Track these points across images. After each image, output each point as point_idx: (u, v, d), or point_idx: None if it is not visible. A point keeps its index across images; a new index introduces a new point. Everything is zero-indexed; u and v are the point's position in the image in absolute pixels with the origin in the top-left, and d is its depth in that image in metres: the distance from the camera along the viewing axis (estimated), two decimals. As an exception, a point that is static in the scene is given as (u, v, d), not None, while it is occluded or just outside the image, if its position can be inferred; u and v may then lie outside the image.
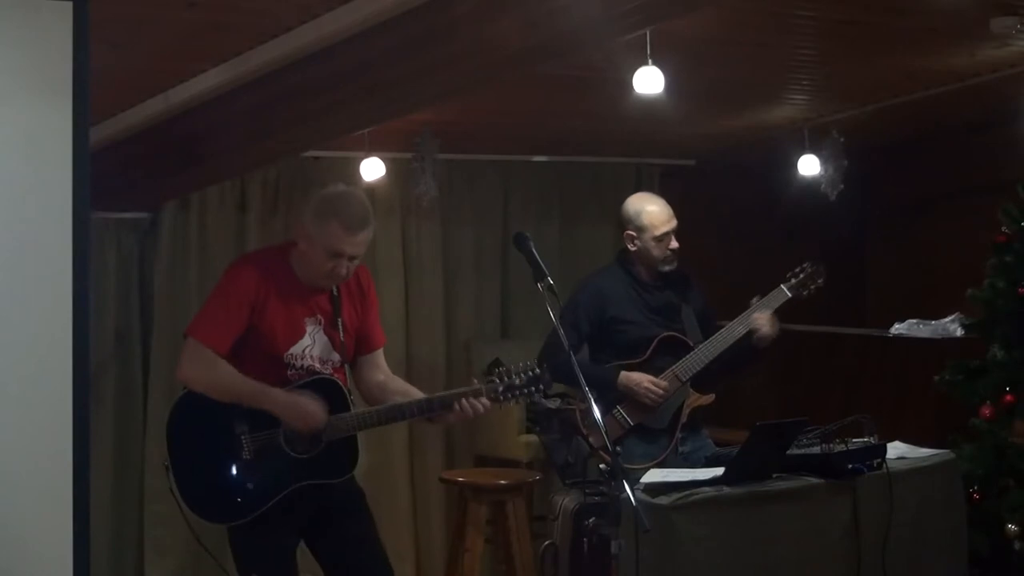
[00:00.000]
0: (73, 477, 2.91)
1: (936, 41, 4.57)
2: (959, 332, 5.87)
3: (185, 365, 3.45)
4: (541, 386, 3.58)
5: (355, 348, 3.66)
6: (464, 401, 3.50)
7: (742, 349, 4.27)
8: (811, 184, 6.13)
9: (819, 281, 4.36)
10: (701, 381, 4.29)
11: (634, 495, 3.03)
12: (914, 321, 6.24)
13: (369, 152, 5.67)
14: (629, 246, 4.38)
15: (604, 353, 4.34)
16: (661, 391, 4.20)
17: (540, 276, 3.33)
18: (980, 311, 5.32)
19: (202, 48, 4.07)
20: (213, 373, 3.41)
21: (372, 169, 5.72)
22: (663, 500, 3.56)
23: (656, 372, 4.25)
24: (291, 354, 3.50)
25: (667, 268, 4.36)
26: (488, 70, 4.00)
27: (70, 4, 2.93)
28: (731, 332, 4.24)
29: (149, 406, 5.95)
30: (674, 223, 4.34)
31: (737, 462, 3.78)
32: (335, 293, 3.58)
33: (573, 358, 3.34)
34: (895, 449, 4.14)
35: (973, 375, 5.26)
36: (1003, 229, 5.24)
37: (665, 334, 4.29)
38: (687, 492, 3.62)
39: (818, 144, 6.02)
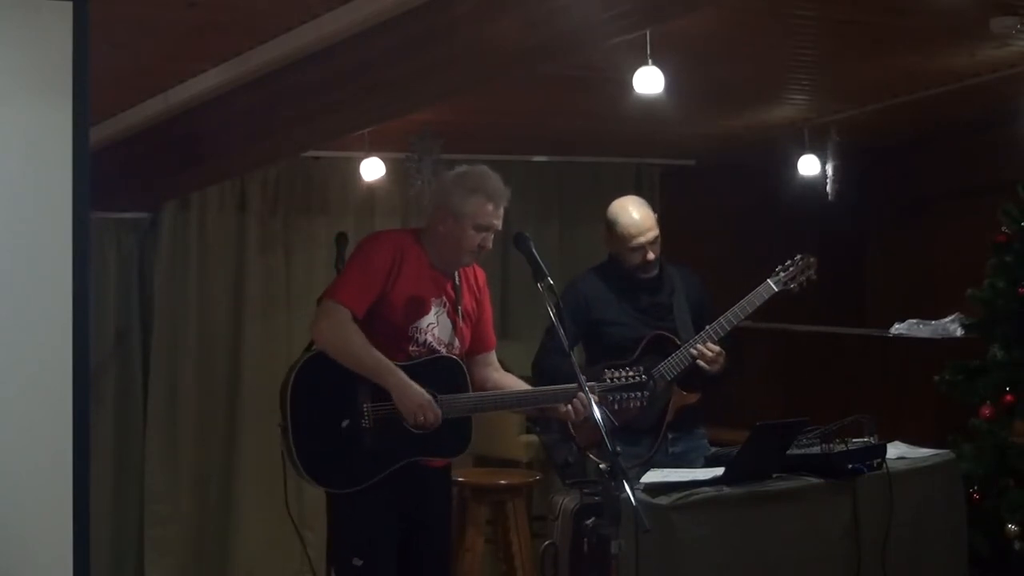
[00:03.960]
0: (73, 477, 2.91)
1: (936, 41, 4.57)
2: (959, 332, 5.87)
3: (322, 323, 3.46)
4: (646, 392, 3.67)
5: (471, 343, 3.72)
6: (579, 397, 3.51)
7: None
8: (811, 184, 6.13)
9: (810, 273, 4.30)
10: (689, 380, 4.25)
11: (634, 495, 3.03)
12: (914, 321, 6.24)
13: (369, 152, 5.67)
14: (608, 247, 4.36)
15: (594, 354, 4.31)
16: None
17: (540, 276, 3.35)
18: (980, 311, 5.32)
19: (202, 48, 4.07)
20: (347, 336, 3.44)
21: (372, 169, 5.73)
22: (663, 500, 3.56)
23: None
24: (415, 327, 3.55)
25: (643, 275, 4.28)
26: (488, 70, 4.01)
27: (70, 4, 2.93)
28: (715, 331, 4.18)
29: (149, 406, 5.96)
30: (651, 235, 4.22)
31: (737, 462, 3.78)
32: (456, 282, 3.66)
33: (573, 358, 3.35)
34: (895, 449, 4.14)
35: (973, 375, 5.26)
36: (1003, 229, 5.24)
37: (654, 333, 4.24)
38: (687, 492, 3.62)
39: (818, 144, 6.02)
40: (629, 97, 4.22)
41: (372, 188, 6.07)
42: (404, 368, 3.50)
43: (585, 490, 3.68)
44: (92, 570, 2.97)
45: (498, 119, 5.70)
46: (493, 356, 3.82)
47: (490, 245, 3.62)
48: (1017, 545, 4.91)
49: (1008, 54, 4.68)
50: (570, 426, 4.10)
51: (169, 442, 5.98)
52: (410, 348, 3.55)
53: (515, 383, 3.74)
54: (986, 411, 5.12)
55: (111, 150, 5.03)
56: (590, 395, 3.27)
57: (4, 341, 2.87)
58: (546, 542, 3.77)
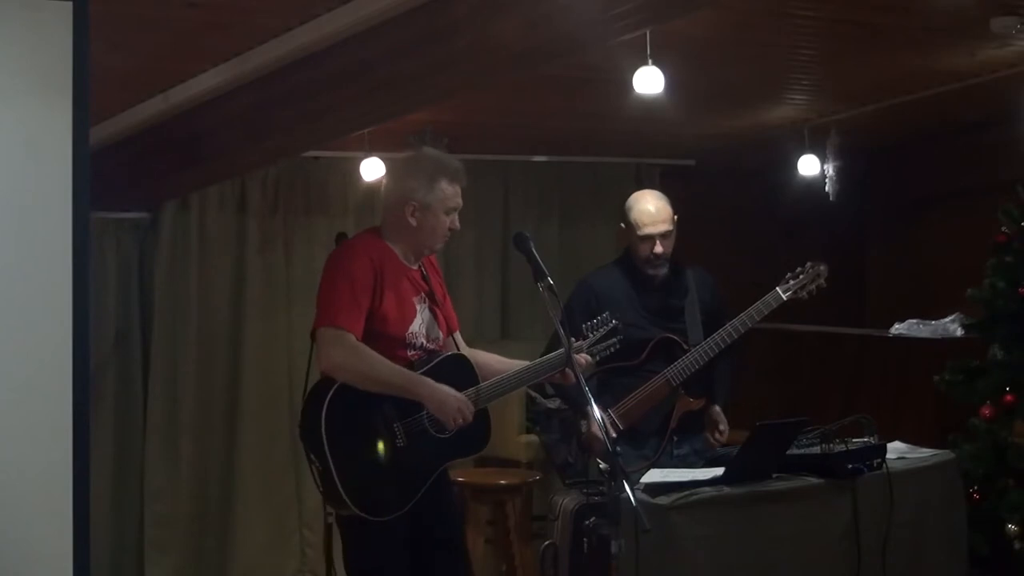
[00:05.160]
0: (73, 478, 2.91)
1: (936, 41, 4.57)
2: (959, 332, 5.87)
3: (333, 354, 3.37)
4: (620, 336, 3.77)
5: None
6: (576, 357, 3.55)
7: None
8: (811, 184, 6.13)
9: (820, 281, 4.29)
10: (694, 385, 4.25)
11: (634, 495, 3.03)
12: (914, 321, 6.25)
13: (369, 152, 5.67)
14: (622, 241, 4.37)
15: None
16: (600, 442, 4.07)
17: (540, 276, 3.35)
18: (980, 311, 5.32)
19: (202, 48, 4.07)
20: (363, 359, 3.38)
21: (372, 169, 5.72)
22: (663, 500, 3.57)
23: (649, 375, 4.20)
24: (411, 333, 3.53)
25: (651, 271, 4.28)
26: (488, 70, 4.00)
27: (70, 4, 2.93)
28: (723, 338, 4.19)
29: (149, 406, 5.96)
30: (663, 227, 4.22)
31: (737, 462, 3.78)
32: (424, 272, 3.64)
33: (574, 359, 3.35)
34: (895, 449, 4.14)
35: (973, 375, 5.26)
36: (1003, 229, 5.24)
37: (662, 336, 4.24)
38: (687, 492, 3.62)
39: (818, 144, 6.02)
40: (629, 97, 4.22)
41: (372, 188, 6.06)
42: (422, 375, 3.49)
43: (585, 490, 3.69)
44: (92, 570, 2.96)
45: (498, 119, 5.71)
46: (459, 336, 3.79)
47: (459, 225, 3.62)
48: (1017, 545, 4.91)
49: (1008, 54, 4.68)
50: (581, 425, 4.10)
51: (169, 442, 5.98)
52: (408, 353, 3.53)
53: (492, 359, 3.73)
54: (986, 411, 5.11)
55: (111, 150, 5.03)
56: (590, 397, 3.26)
57: (4, 341, 2.86)
58: (546, 542, 3.76)
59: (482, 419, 3.58)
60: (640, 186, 6.67)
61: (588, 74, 4.57)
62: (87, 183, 2.95)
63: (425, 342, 3.57)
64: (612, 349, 3.80)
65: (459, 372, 3.56)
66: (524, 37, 3.53)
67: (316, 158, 6.17)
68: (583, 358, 3.63)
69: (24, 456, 2.87)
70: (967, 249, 5.72)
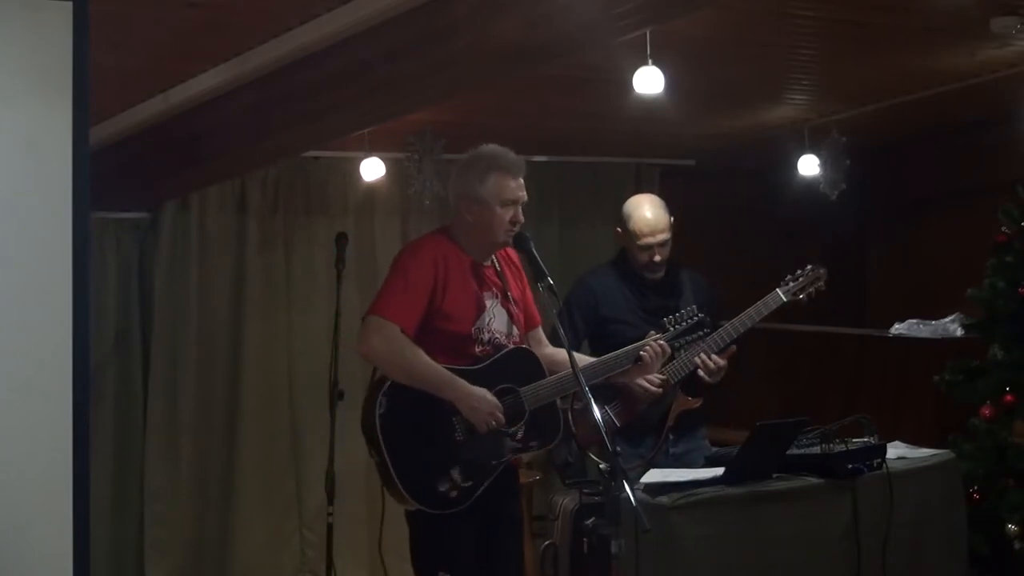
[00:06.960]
0: (73, 478, 2.91)
1: (936, 41, 4.57)
2: (959, 332, 5.87)
3: (372, 339, 3.43)
4: (706, 329, 3.87)
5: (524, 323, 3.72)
6: (650, 349, 3.64)
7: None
8: (811, 184, 6.13)
9: (819, 285, 4.31)
10: (691, 384, 4.26)
11: (634, 495, 3.03)
12: (914, 321, 6.25)
13: (369, 152, 5.67)
14: (618, 242, 4.39)
15: (600, 351, 4.31)
16: (656, 387, 4.17)
17: (540, 276, 3.35)
18: (980, 311, 5.32)
19: (202, 48, 4.07)
20: (402, 350, 3.41)
21: (372, 169, 5.73)
22: (663, 500, 3.57)
23: None
24: (477, 328, 3.55)
25: (649, 276, 4.31)
26: (488, 70, 4.00)
27: (70, 4, 2.93)
28: (722, 337, 4.19)
29: (149, 406, 5.95)
30: (660, 237, 4.26)
31: (737, 462, 3.78)
32: (498, 268, 3.65)
33: (573, 358, 3.35)
34: (895, 449, 4.14)
35: (973, 375, 5.26)
36: (1003, 229, 5.25)
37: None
38: (687, 492, 3.62)
39: (818, 144, 6.02)
40: (629, 97, 4.22)
41: (372, 188, 6.07)
42: (480, 370, 3.50)
43: (585, 490, 3.69)
44: (92, 570, 2.96)
45: (498, 119, 5.70)
46: (540, 332, 3.81)
47: (522, 217, 3.61)
48: (1017, 545, 4.91)
49: (1008, 54, 4.68)
50: (571, 423, 4.10)
51: (169, 442, 5.98)
52: (476, 349, 3.55)
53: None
54: (986, 411, 5.12)
55: (111, 150, 5.02)
56: (590, 396, 3.26)
57: (4, 341, 2.86)
58: (546, 542, 3.77)
59: (551, 412, 3.59)
60: (640, 186, 6.69)
61: (588, 74, 4.57)
62: (87, 183, 2.95)
63: (497, 337, 3.58)
64: (701, 341, 3.92)
65: (521, 367, 3.57)
66: (524, 37, 3.53)
67: (316, 158, 6.17)
68: (662, 345, 3.75)
69: (24, 456, 2.87)
70: (967, 249, 5.73)
